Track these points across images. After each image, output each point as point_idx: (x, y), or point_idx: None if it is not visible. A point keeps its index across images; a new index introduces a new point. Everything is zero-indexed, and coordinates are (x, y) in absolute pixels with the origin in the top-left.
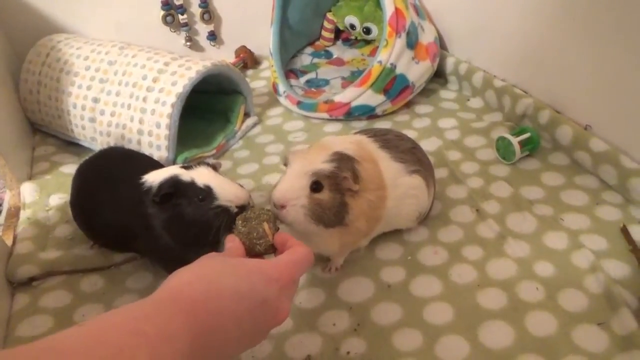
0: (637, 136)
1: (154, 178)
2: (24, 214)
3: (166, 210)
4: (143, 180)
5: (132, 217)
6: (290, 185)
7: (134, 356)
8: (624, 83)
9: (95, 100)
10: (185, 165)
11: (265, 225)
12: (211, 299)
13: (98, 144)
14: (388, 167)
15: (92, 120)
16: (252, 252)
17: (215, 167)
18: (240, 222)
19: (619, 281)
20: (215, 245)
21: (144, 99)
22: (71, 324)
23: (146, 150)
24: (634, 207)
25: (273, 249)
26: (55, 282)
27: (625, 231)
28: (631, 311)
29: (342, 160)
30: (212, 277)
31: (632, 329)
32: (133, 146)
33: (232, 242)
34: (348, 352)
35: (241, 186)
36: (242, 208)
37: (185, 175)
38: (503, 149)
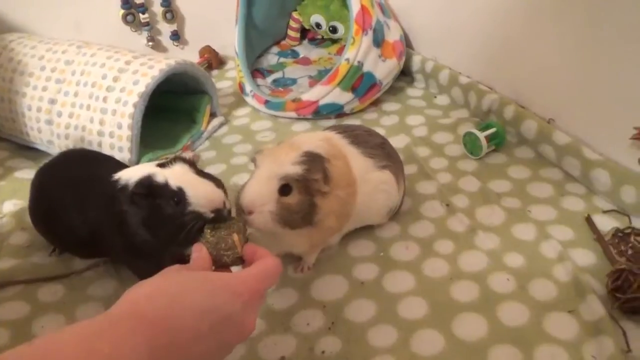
0: (598, 128)
1: (129, 176)
2: None
3: (144, 208)
4: (116, 178)
5: (102, 217)
6: (258, 190)
7: None
8: (584, 78)
9: (52, 101)
10: (161, 162)
11: (235, 237)
12: (172, 315)
13: (56, 147)
14: (358, 162)
15: (49, 122)
16: (218, 262)
17: (192, 162)
18: (209, 231)
19: (586, 269)
20: (193, 243)
21: (105, 99)
22: (29, 336)
23: (107, 152)
24: (597, 198)
25: (241, 261)
26: (11, 292)
27: (589, 221)
28: (598, 297)
29: (313, 160)
30: (173, 291)
31: (600, 314)
32: (94, 148)
33: (198, 252)
34: (323, 352)
35: (217, 184)
36: (218, 212)
37: (160, 175)
38: (470, 144)
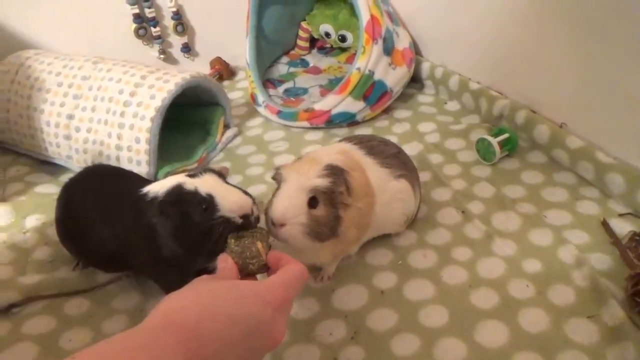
0: (611, 132)
1: (158, 188)
2: None
3: (174, 218)
4: (145, 191)
5: (130, 231)
6: (289, 203)
7: None
8: (596, 81)
9: (70, 117)
10: (191, 173)
11: (259, 244)
12: (204, 324)
13: (74, 162)
14: (375, 173)
15: (67, 137)
16: (244, 271)
17: (221, 174)
18: (233, 240)
19: (604, 273)
20: (218, 253)
21: (122, 114)
22: (57, 350)
23: (125, 166)
24: (612, 201)
25: (266, 268)
26: (38, 307)
27: (605, 225)
28: (618, 302)
29: (336, 173)
30: (205, 301)
31: (620, 319)
32: (112, 163)
33: (224, 262)
34: None
35: (246, 193)
36: (246, 217)
37: (189, 184)
38: (483, 150)
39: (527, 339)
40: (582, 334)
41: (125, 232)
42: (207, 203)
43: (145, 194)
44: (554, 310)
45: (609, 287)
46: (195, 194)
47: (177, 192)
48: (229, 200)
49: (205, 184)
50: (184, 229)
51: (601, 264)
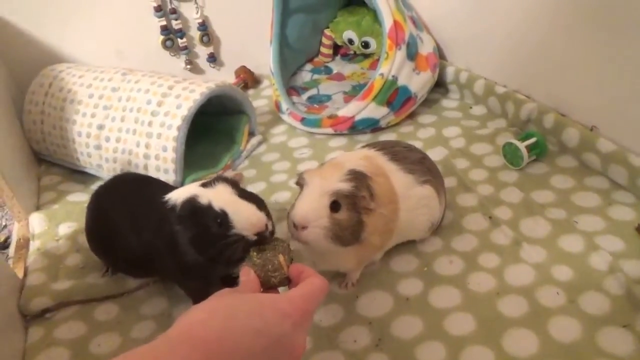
0: None
1: (177, 196)
2: (33, 245)
3: (191, 227)
4: (166, 199)
5: (155, 237)
6: (311, 206)
7: None
8: (628, 82)
9: (100, 127)
10: (205, 182)
11: (281, 257)
12: (225, 337)
13: (104, 171)
14: (399, 179)
15: (98, 147)
16: (267, 284)
17: (235, 182)
18: (255, 253)
19: (639, 281)
20: (239, 263)
21: (150, 124)
22: (87, 355)
23: (153, 174)
24: None
25: (288, 281)
26: (69, 312)
27: None
28: None
29: (358, 178)
30: (226, 314)
31: None
32: (140, 171)
33: (246, 275)
34: None
35: (260, 205)
36: (261, 234)
37: (203, 196)
38: (510, 155)
39: (558, 349)
40: (616, 343)
41: (151, 239)
42: (221, 218)
43: (166, 202)
44: (586, 319)
45: None
46: (209, 208)
47: (191, 206)
48: (242, 217)
49: (219, 198)
50: (201, 238)
51: (636, 271)
